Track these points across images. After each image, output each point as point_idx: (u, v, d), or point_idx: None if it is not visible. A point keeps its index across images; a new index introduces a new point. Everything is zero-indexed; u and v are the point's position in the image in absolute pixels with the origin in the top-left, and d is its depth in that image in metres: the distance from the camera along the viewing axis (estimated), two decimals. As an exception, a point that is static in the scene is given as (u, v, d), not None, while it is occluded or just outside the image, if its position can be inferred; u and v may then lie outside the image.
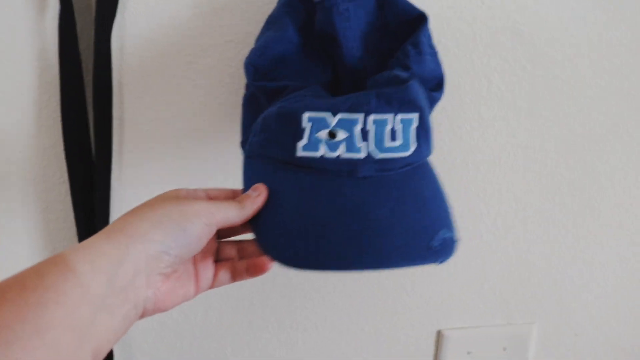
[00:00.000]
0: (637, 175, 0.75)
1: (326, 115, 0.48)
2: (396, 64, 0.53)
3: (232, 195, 0.51)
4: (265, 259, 0.50)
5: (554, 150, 0.71)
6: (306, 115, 0.48)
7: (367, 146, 0.49)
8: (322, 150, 0.49)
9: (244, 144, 0.56)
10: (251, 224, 0.49)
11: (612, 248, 0.78)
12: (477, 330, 0.79)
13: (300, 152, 0.49)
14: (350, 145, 0.48)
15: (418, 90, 0.50)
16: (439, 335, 0.77)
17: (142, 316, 0.43)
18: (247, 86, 0.57)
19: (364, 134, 0.48)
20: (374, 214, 0.47)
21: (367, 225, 0.47)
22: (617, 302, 0.81)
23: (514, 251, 0.76)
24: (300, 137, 0.49)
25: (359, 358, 0.77)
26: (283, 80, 0.54)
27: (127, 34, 0.60)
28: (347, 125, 0.48)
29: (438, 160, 0.68)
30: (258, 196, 0.49)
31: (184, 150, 0.65)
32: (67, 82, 0.59)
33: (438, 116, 0.67)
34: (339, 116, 0.48)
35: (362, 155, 0.49)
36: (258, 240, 0.49)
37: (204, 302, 0.71)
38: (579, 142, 0.72)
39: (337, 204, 0.48)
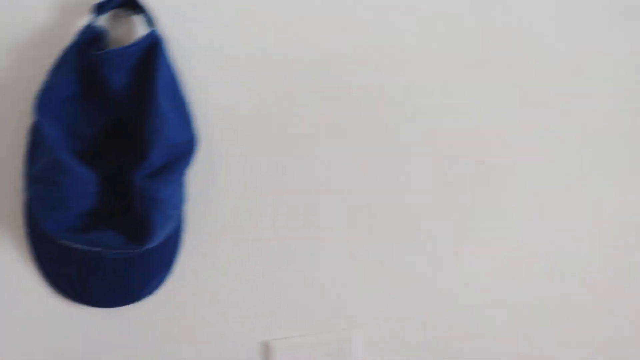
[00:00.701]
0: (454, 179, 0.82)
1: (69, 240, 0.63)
2: (141, 158, 0.62)
3: None
4: None
5: (363, 163, 0.78)
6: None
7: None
8: (76, 244, 0.63)
9: (24, 177, 0.63)
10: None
11: (432, 252, 0.83)
12: (303, 339, 0.81)
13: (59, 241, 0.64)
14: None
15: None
16: (266, 346, 0.80)
17: None
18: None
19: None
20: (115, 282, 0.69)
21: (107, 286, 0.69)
22: (440, 306, 0.86)
23: (338, 258, 0.80)
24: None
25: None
26: (64, 118, 0.61)
27: None
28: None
29: (262, 174, 0.74)
30: None
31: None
32: None
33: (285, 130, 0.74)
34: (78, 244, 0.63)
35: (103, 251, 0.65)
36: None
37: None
38: (381, 153, 0.79)
39: (92, 273, 0.67)
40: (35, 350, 0.71)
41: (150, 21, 0.63)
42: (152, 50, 0.61)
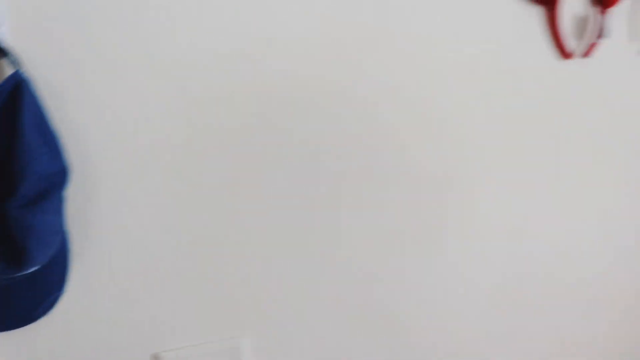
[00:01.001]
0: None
1: None
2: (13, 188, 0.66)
3: None
4: None
5: (243, 173, 0.83)
6: None
7: None
8: None
9: None
10: None
11: (314, 256, 0.87)
12: (193, 349, 0.84)
13: None
14: None
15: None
16: (156, 358, 0.82)
17: None
18: None
19: None
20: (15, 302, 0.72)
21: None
22: (325, 307, 0.89)
23: (222, 267, 0.83)
24: None
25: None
26: None
27: None
28: None
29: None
30: None
31: None
32: None
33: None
34: None
35: None
36: None
37: None
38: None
39: None
40: None
41: (15, 63, 0.67)
42: (17, 89, 0.65)
